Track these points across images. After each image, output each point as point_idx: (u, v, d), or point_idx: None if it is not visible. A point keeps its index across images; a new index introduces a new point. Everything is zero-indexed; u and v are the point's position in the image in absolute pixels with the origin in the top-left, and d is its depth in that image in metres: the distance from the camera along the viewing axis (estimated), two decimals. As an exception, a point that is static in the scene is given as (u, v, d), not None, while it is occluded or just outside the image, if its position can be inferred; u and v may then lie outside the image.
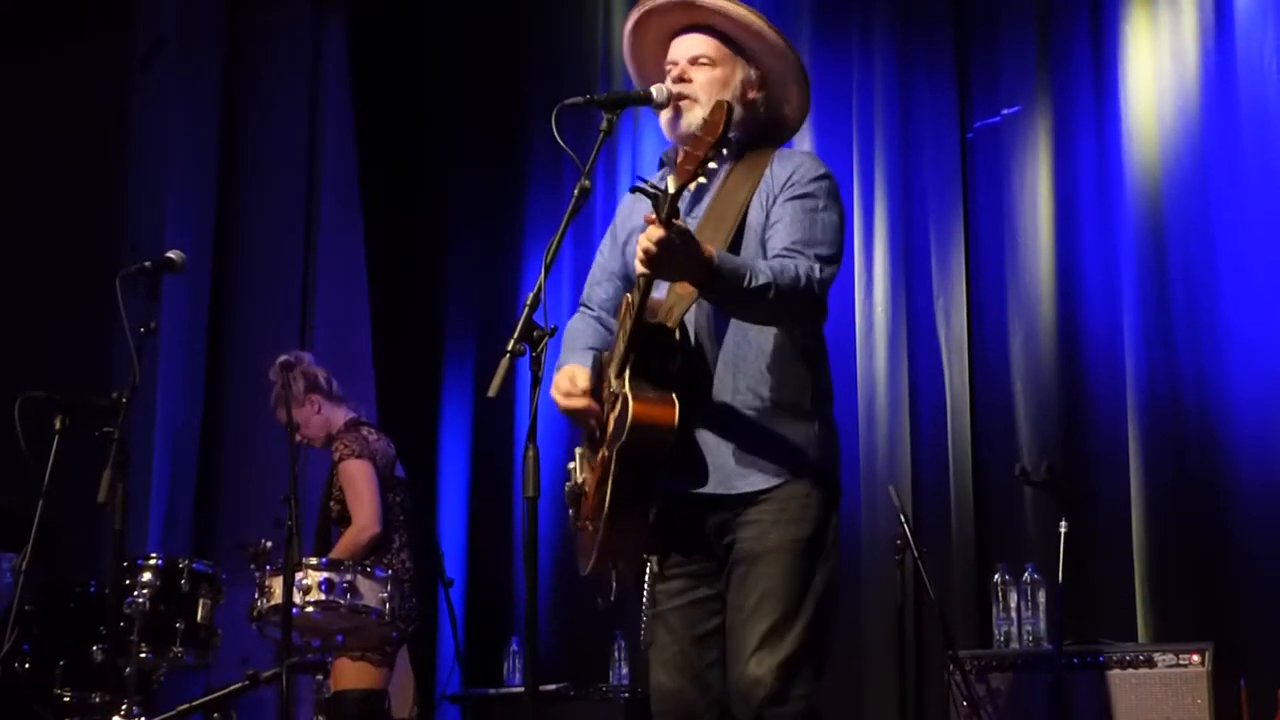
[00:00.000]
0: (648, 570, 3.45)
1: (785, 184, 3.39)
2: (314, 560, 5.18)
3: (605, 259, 3.70)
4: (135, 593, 5.01)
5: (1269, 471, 5.33)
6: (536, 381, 3.12)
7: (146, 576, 5.09)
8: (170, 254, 4.69)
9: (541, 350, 3.10)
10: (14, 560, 4.86)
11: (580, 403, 3.38)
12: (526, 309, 3.09)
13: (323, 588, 5.09)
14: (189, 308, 7.19)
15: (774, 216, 3.37)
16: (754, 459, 3.34)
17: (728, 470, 3.34)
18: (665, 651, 3.43)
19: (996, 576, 5.56)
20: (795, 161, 3.45)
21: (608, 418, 3.31)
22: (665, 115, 3.49)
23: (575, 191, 3.20)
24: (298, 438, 5.55)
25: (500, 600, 6.88)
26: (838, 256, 3.38)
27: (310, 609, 5.07)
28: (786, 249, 3.31)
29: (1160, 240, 5.72)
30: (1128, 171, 5.83)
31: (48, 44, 7.05)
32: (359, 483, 5.53)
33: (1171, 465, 5.57)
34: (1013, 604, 5.49)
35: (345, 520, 5.56)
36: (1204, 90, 5.72)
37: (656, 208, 3.06)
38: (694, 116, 3.44)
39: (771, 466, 3.34)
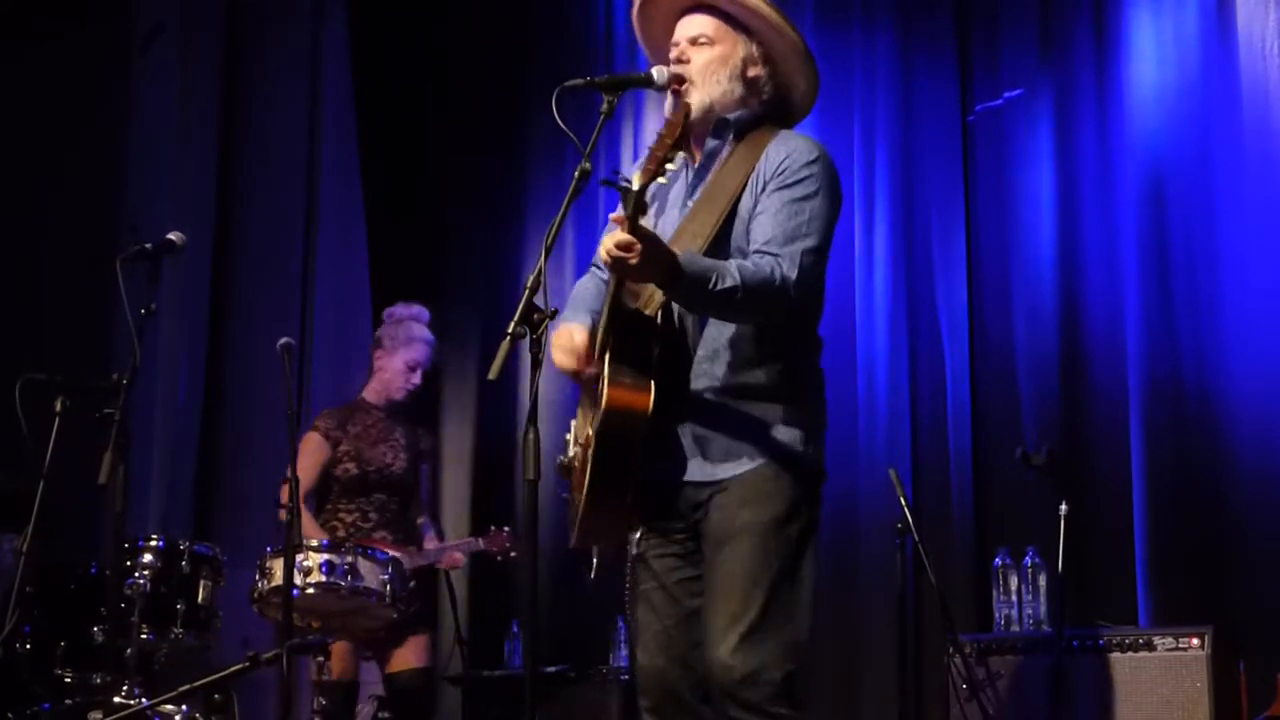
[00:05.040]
0: (630, 550, 3.44)
1: (777, 171, 3.36)
2: (314, 542, 5.20)
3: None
4: (136, 574, 4.99)
5: (1270, 455, 5.34)
6: (537, 364, 3.11)
7: (147, 558, 5.08)
8: (171, 236, 4.68)
9: (542, 333, 3.10)
10: (15, 542, 4.84)
11: (572, 363, 3.40)
12: (527, 292, 3.09)
13: (323, 569, 5.09)
14: (189, 290, 7.17)
15: (760, 206, 3.35)
16: (729, 445, 3.34)
17: (705, 456, 3.34)
18: (647, 631, 3.41)
19: (997, 560, 5.57)
20: (790, 146, 3.41)
21: (597, 394, 3.32)
22: (668, 100, 3.49)
23: (576, 174, 3.20)
24: (412, 383, 5.78)
25: (501, 583, 6.89)
26: (824, 246, 3.35)
27: (311, 591, 5.08)
28: (763, 248, 3.30)
29: (1161, 223, 5.72)
30: (1129, 154, 5.83)
31: (47, 28, 7.02)
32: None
33: (1172, 449, 5.57)
34: (1013, 587, 5.50)
35: (409, 490, 5.76)
36: (1205, 73, 5.72)
37: (624, 203, 3.08)
38: (691, 102, 3.44)
39: (745, 451, 3.33)
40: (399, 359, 5.80)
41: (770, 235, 3.30)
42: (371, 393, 5.85)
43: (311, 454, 5.67)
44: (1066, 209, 5.99)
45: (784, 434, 3.35)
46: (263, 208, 7.54)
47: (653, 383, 3.21)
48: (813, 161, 3.38)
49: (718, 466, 3.34)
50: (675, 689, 3.36)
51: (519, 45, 7.51)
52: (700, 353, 3.36)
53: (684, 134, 3.13)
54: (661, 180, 3.11)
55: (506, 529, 5.91)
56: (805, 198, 3.33)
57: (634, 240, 3.08)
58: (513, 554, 5.91)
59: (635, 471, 3.26)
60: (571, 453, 3.46)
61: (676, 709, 3.36)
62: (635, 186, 3.08)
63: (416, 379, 5.82)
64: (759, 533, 3.28)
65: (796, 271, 3.26)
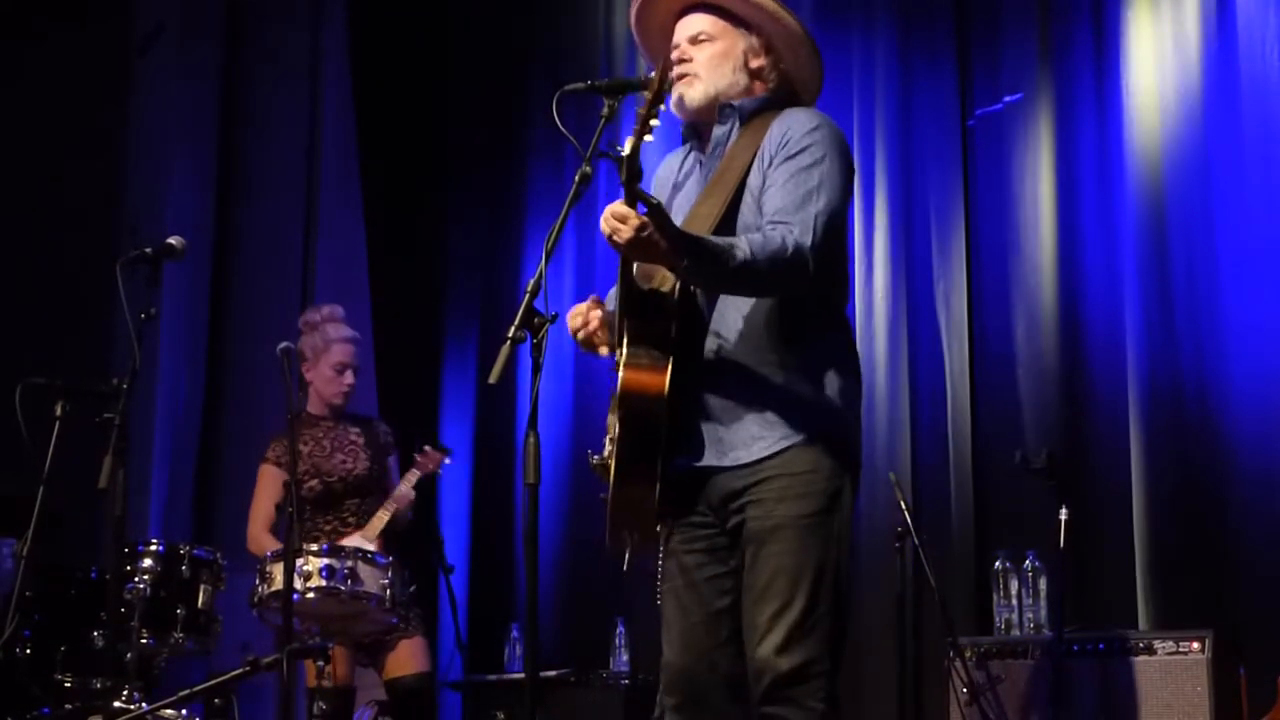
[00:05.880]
0: (663, 543, 3.41)
1: (781, 144, 3.36)
2: (314, 547, 5.19)
3: None
4: (136, 578, 5.00)
5: (1270, 459, 5.33)
6: (537, 368, 3.11)
7: (147, 562, 5.09)
8: (171, 240, 4.68)
9: (542, 337, 3.09)
10: (15, 546, 4.85)
11: (578, 321, 3.38)
12: (527, 295, 3.09)
13: (323, 574, 5.09)
14: (189, 293, 7.18)
15: (769, 180, 3.34)
16: (753, 426, 3.30)
17: (728, 440, 3.31)
18: (674, 628, 3.39)
19: (997, 563, 5.56)
20: (792, 119, 3.41)
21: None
22: (674, 96, 3.49)
23: (576, 178, 3.21)
24: (344, 385, 5.69)
25: (501, 587, 6.88)
26: (838, 209, 3.33)
27: (311, 595, 5.08)
28: (773, 218, 3.28)
29: (1161, 227, 5.71)
30: (1129, 158, 5.82)
31: (47, 28, 7.03)
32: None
33: (1172, 452, 5.56)
34: (1013, 591, 5.49)
35: (379, 487, 5.68)
36: (1205, 77, 5.71)
37: (619, 172, 3.08)
38: (695, 92, 3.48)
39: (771, 433, 3.30)
40: (324, 366, 5.72)
41: (780, 205, 3.29)
42: (313, 405, 5.78)
43: (270, 486, 5.62)
44: (1066, 213, 5.99)
45: (815, 414, 3.34)
46: (263, 209, 7.55)
47: (671, 361, 3.19)
48: (815, 129, 3.37)
49: (741, 450, 3.30)
50: (701, 688, 3.35)
51: (519, 46, 7.51)
52: (719, 330, 3.34)
53: (662, 89, 3.12)
54: (648, 138, 3.10)
55: (428, 446, 5.82)
56: (812, 164, 3.32)
57: (628, 212, 3.07)
58: (448, 460, 5.83)
59: (660, 454, 3.22)
60: (606, 451, 3.39)
61: (703, 708, 3.35)
62: (625, 153, 3.07)
63: (349, 379, 5.73)
64: (801, 528, 3.27)
65: (810, 236, 3.24)
